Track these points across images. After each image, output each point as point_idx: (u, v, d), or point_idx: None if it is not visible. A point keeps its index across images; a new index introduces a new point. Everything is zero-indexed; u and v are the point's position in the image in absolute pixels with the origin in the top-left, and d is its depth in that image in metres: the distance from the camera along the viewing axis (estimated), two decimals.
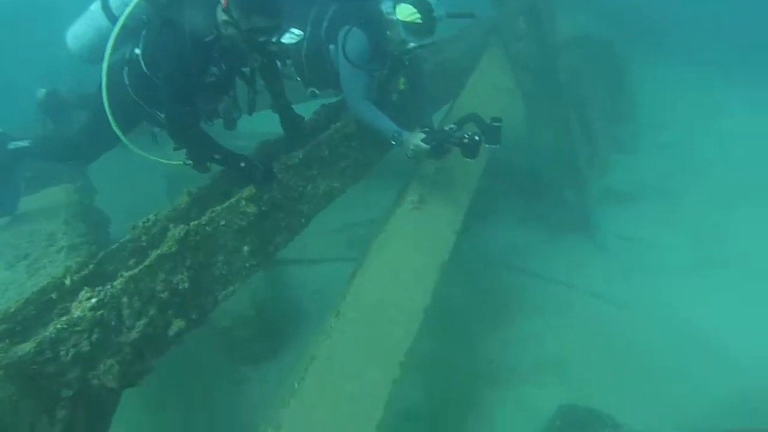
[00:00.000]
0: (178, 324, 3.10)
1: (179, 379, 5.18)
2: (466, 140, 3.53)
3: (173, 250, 3.05)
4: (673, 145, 7.72)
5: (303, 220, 3.83)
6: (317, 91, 4.20)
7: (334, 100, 4.38)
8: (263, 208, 3.50)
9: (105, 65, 3.44)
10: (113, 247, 3.25)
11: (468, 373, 5.08)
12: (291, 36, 3.65)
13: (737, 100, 8.93)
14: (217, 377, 5.31)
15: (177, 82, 3.14)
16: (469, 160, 3.73)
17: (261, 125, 4.67)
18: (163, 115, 3.34)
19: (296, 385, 3.06)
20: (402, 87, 4.03)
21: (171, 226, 3.17)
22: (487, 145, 3.71)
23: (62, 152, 4.09)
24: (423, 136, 3.64)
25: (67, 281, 2.99)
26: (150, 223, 3.37)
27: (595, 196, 6.53)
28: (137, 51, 3.42)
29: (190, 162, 3.51)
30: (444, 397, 4.92)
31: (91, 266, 3.08)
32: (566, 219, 6.21)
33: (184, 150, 3.56)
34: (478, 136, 3.56)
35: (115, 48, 3.41)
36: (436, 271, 3.70)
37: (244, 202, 3.41)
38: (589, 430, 4.13)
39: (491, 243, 6.17)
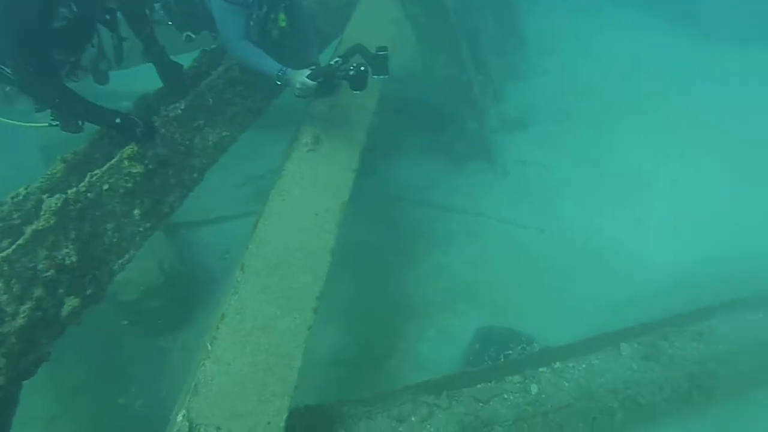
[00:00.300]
0: (71, 302, 2.88)
1: (94, 361, 4.94)
2: (352, 72, 3.42)
3: (51, 223, 2.79)
4: (559, 69, 7.99)
5: (195, 175, 3.63)
6: (192, 35, 3.89)
7: (214, 45, 4.12)
8: (149, 166, 3.27)
9: None
10: None
11: (387, 311, 5.17)
12: None
13: (616, 19, 9.37)
14: (135, 352, 5.09)
15: (18, 27, 2.74)
16: (360, 94, 3.65)
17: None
18: (8, 69, 2.94)
19: (209, 346, 2.96)
20: (282, 23, 3.81)
21: (45, 197, 2.88)
22: (375, 76, 3.62)
23: None
24: (308, 72, 3.49)
25: None
26: (21, 197, 3.06)
27: (493, 124, 6.69)
28: None
29: (57, 122, 3.17)
30: (367, 337, 5.00)
31: None
32: (468, 149, 6.34)
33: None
34: (364, 66, 3.46)
35: None
36: (338, 211, 3.64)
37: (126, 162, 3.16)
38: (505, 348, 4.36)
39: (398, 180, 6.20)
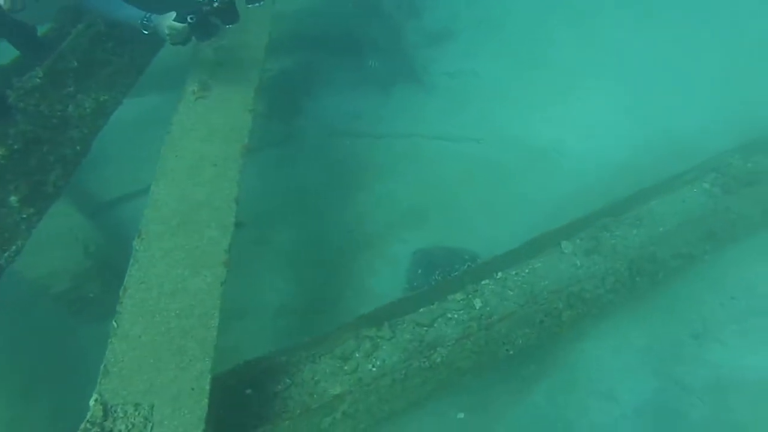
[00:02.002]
0: None
1: (46, 359, 4.76)
2: (216, 4, 3.11)
3: None
4: None
5: (78, 147, 3.36)
6: None
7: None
8: (15, 147, 3.00)
9: None
10: None
11: (333, 251, 5.04)
12: None
13: None
14: (84, 343, 4.95)
15: None
16: (249, 29, 3.36)
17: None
18: None
19: (115, 323, 2.80)
20: None
21: None
22: (249, 5, 3.31)
23: None
24: (174, 14, 3.17)
25: None
26: None
27: (414, 39, 6.36)
28: None
29: None
30: (317, 281, 4.89)
31: None
32: (391, 71, 6.04)
33: None
34: None
35: None
36: (238, 157, 3.41)
37: None
38: (450, 268, 4.27)
39: (327, 116, 5.92)
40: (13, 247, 3.00)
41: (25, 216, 3.05)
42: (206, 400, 2.65)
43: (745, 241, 4.39)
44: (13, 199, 2.99)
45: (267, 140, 5.73)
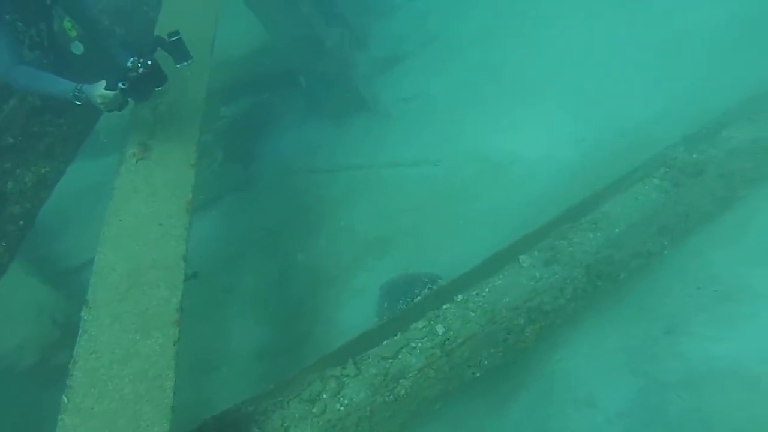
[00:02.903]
0: None
1: None
2: (140, 70, 3.19)
3: None
4: None
5: (22, 222, 3.41)
6: None
7: None
8: None
9: None
10: None
11: (301, 288, 5.09)
12: None
13: None
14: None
15: None
16: (188, 84, 3.44)
17: None
18: None
19: (65, 398, 2.83)
20: (73, 33, 3.51)
21: None
22: (178, 65, 3.40)
23: None
24: (104, 83, 3.24)
25: None
26: None
27: (364, 70, 6.50)
28: None
29: None
30: (287, 321, 4.94)
31: None
32: (344, 104, 6.16)
33: None
34: (151, 60, 3.21)
35: None
36: (183, 213, 3.46)
37: None
38: (411, 295, 4.31)
39: (285, 155, 6.02)
40: None
41: None
42: None
43: (702, 231, 4.46)
44: None
45: (227, 186, 5.81)
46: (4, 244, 3.27)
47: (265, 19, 5.59)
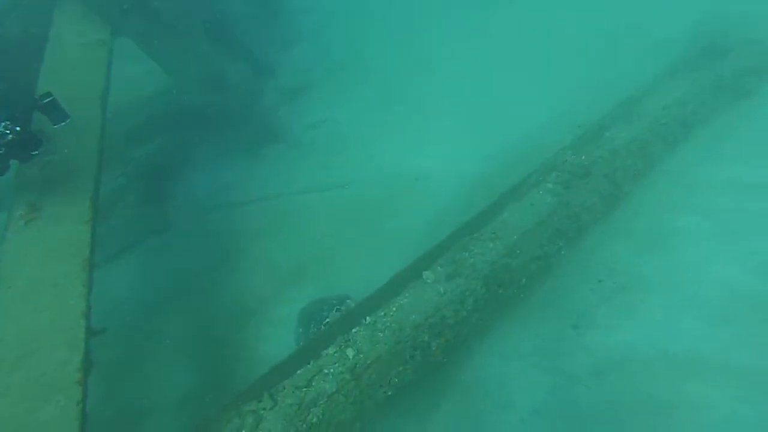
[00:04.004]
0: None
1: None
2: (10, 136, 3.28)
3: None
4: (324, 24, 8.05)
5: None
6: None
7: None
8: None
9: None
10: None
11: (223, 326, 5.22)
12: None
13: None
14: None
15: None
16: (80, 137, 3.54)
17: None
18: None
19: None
20: None
21: None
22: (56, 125, 3.52)
23: None
24: None
25: None
26: None
27: (272, 100, 6.70)
28: None
29: None
30: (212, 362, 5.05)
31: None
32: (254, 136, 6.34)
33: None
34: (20, 126, 3.31)
35: None
36: (80, 271, 3.56)
37: None
38: (322, 318, 4.51)
39: (199, 192, 6.15)
40: None
41: None
42: None
43: (595, 228, 4.84)
44: None
45: (143, 230, 5.89)
46: None
47: (163, 63, 5.70)
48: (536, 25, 6.71)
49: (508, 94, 6.01)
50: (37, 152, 3.40)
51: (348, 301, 4.56)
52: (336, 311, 4.42)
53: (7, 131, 3.26)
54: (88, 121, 4.30)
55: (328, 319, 4.44)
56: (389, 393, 3.89)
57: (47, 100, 3.45)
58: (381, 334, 4.09)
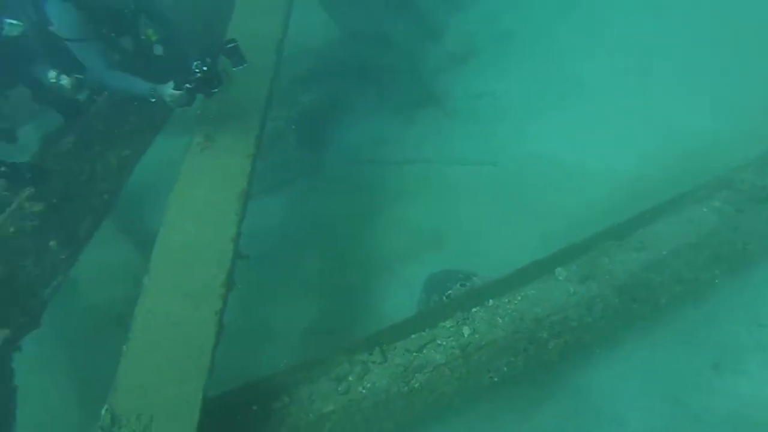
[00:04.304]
0: (2, 333, 3.48)
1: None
2: (198, 74, 3.70)
3: None
4: None
5: (106, 197, 4.11)
6: (80, 76, 4.25)
7: None
8: (53, 201, 3.79)
9: None
10: None
11: (355, 274, 5.52)
12: (11, 27, 3.72)
13: None
14: None
15: None
16: (251, 81, 3.93)
17: None
18: None
19: (124, 347, 3.47)
20: (154, 38, 4.11)
21: None
22: (235, 68, 3.90)
23: None
24: (173, 84, 3.79)
25: None
26: None
27: (435, 63, 6.73)
28: None
29: None
30: (339, 304, 5.40)
31: None
32: (412, 98, 6.46)
33: None
34: (206, 65, 3.71)
35: None
36: (236, 201, 3.97)
37: (27, 204, 3.69)
38: (445, 288, 4.60)
39: (352, 145, 6.46)
40: (54, 283, 3.77)
41: (62, 258, 3.81)
42: (198, 414, 3.24)
43: (764, 263, 4.34)
44: (52, 244, 3.77)
45: (297, 171, 6.36)
46: (91, 216, 3.98)
47: (335, 15, 5.98)
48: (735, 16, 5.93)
49: (686, 91, 5.47)
50: (217, 90, 3.81)
51: (474, 278, 4.59)
52: (460, 285, 4.48)
53: (197, 70, 3.69)
54: (263, 65, 4.70)
55: (450, 292, 4.51)
56: (495, 379, 3.91)
57: (231, 45, 3.85)
58: (500, 320, 4.11)
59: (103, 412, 3.24)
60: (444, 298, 4.55)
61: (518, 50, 6.82)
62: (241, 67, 3.89)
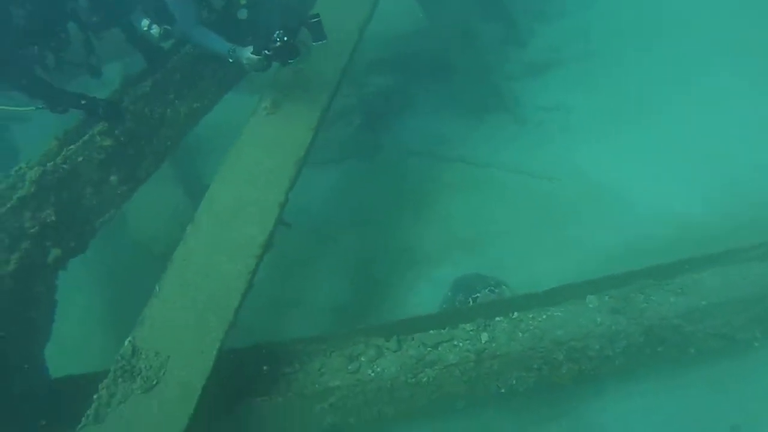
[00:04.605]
0: (55, 252, 3.77)
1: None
2: (278, 43, 3.85)
3: (32, 190, 3.65)
4: (593, 6, 7.55)
5: (169, 143, 4.36)
6: (169, 27, 4.49)
7: None
8: (121, 139, 4.05)
9: None
10: None
11: (388, 261, 5.64)
12: None
13: None
14: None
15: None
16: (328, 57, 4.10)
17: None
18: None
19: (157, 287, 3.72)
20: (243, 1, 4.31)
21: (27, 170, 3.75)
22: (314, 43, 4.03)
23: None
24: (252, 48, 3.97)
25: None
26: (22, 170, 3.98)
27: (515, 69, 6.66)
28: None
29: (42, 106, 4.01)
30: (365, 286, 5.54)
31: None
32: (485, 99, 6.44)
33: None
34: (287, 36, 3.85)
35: None
36: (290, 168, 4.11)
37: (98, 137, 3.95)
38: (473, 292, 4.64)
39: (414, 135, 6.53)
40: (107, 215, 4.06)
41: (119, 192, 4.09)
42: (211, 364, 3.44)
43: None
44: (113, 178, 4.04)
45: (355, 150, 6.49)
46: (152, 158, 4.24)
47: (425, 5, 6.02)
48: None
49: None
50: (293, 61, 3.96)
51: (503, 287, 4.62)
52: (488, 291, 4.52)
53: (278, 39, 3.85)
54: (343, 43, 4.82)
55: (478, 295, 4.56)
56: (502, 390, 3.95)
57: (314, 20, 3.98)
58: (520, 334, 4.13)
59: (126, 342, 3.51)
60: (470, 300, 4.60)
61: (599, 70, 6.68)
62: (320, 42, 4.02)
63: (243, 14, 4.35)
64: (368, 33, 5.09)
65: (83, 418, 3.24)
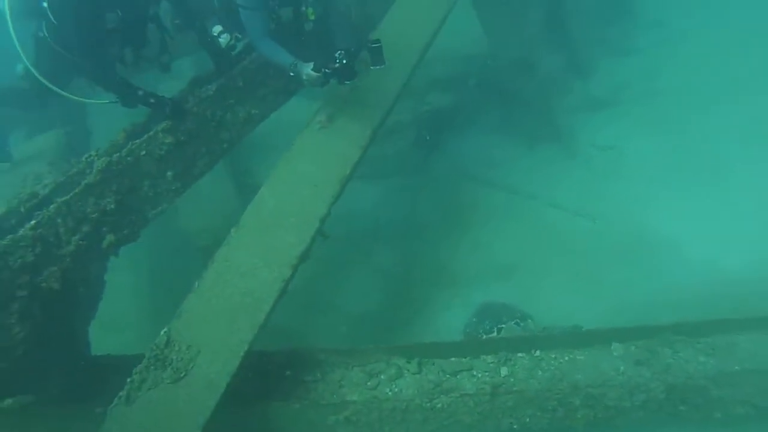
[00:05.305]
0: (109, 238, 4.11)
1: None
2: (337, 65, 4.05)
3: (98, 178, 3.99)
4: (663, 45, 7.41)
5: (225, 146, 4.65)
6: (239, 35, 4.76)
7: None
8: (181, 138, 4.35)
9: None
10: (62, 179, 4.27)
11: (421, 279, 5.78)
12: None
13: None
14: None
15: (76, 32, 3.92)
16: (385, 78, 4.33)
17: None
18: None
19: (197, 284, 3.99)
20: (312, 17, 4.54)
21: (96, 158, 4.10)
22: (373, 67, 4.22)
23: (15, 100, 5.10)
24: (313, 64, 4.20)
25: (22, 208, 4.05)
26: (91, 158, 4.34)
27: (573, 103, 6.66)
28: (44, 3, 4.11)
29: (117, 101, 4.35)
30: (396, 301, 5.70)
31: (40, 196, 4.13)
32: (538, 130, 6.48)
33: None
34: (347, 59, 4.05)
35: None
36: (335, 184, 4.31)
37: (161, 134, 4.26)
38: (498, 321, 4.73)
39: (464, 157, 6.64)
40: (159, 207, 4.37)
41: (173, 188, 4.39)
42: (237, 362, 3.68)
43: None
44: (169, 174, 4.35)
45: (405, 166, 6.66)
46: (208, 158, 4.53)
47: (489, 30, 6.12)
48: None
49: None
50: (349, 82, 4.18)
51: (529, 320, 4.70)
52: (513, 323, 4.60)
53: (338, 59, 4.07)
54: (402, 65, 4.98)
55: (503, 326, 4.65)
56: (515, 426, 4.04)
57: (375, 45, 4.18)
58: (540, 373, 4.18)
59: (162, 332, 3.79)
60: (495, 329, 4.70)
61: (662, 114, 6.58)
62: (378, 67, 4.21)
63: (309, 26, 4.60)
64: (429, 52, 5.25)
65: (116, 399, 3.53)
